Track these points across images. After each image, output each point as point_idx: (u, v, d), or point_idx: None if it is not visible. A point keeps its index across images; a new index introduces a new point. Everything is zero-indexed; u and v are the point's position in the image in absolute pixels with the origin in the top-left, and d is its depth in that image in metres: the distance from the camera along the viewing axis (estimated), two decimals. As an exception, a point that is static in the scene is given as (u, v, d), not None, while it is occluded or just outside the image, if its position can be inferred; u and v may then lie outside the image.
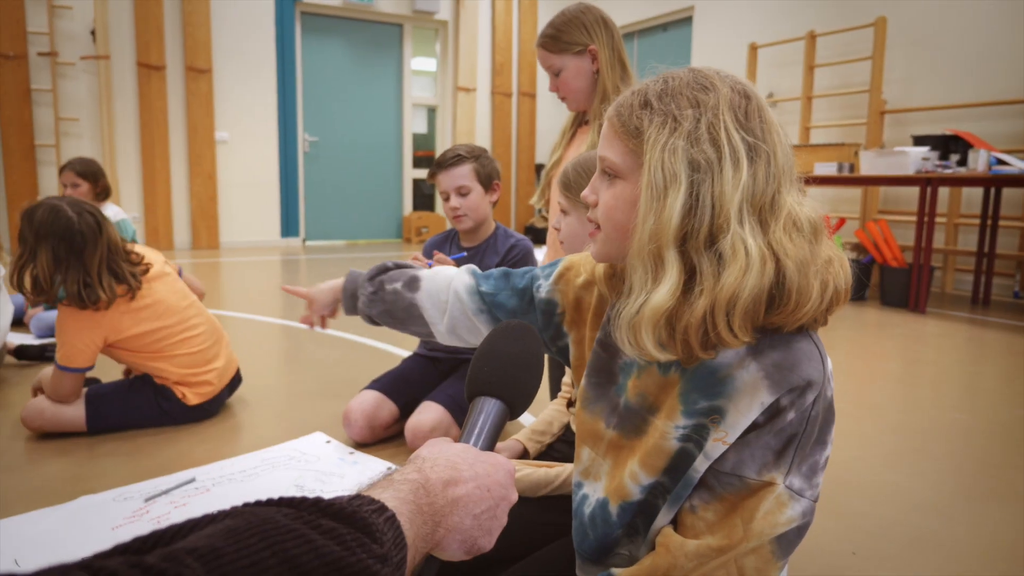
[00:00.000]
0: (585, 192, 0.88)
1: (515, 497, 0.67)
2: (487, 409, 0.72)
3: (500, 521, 0.65)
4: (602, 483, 0.94)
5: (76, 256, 1.98)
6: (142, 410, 2.17)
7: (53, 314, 3.43)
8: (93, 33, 6.72)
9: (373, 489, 0.57)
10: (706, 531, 0.82)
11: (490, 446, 0.71)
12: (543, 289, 1.05)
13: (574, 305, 1.03)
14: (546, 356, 1.13)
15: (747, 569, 0.80)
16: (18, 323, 3.55)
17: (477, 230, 2.16)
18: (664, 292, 0.75)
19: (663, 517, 0.88)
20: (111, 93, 6.83)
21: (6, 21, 6.36)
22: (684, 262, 0.76)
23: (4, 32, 6.36)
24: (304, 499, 0.50)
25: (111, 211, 3.64)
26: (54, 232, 1.97)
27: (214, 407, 2.30)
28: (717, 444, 0.81)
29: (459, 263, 2.14)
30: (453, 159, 2.07)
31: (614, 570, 0.89)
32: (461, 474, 0.63)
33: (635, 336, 0.77)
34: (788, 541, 0.80)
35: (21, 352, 2.93)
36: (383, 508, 0.53)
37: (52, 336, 3.34)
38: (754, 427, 0.80)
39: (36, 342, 3.20)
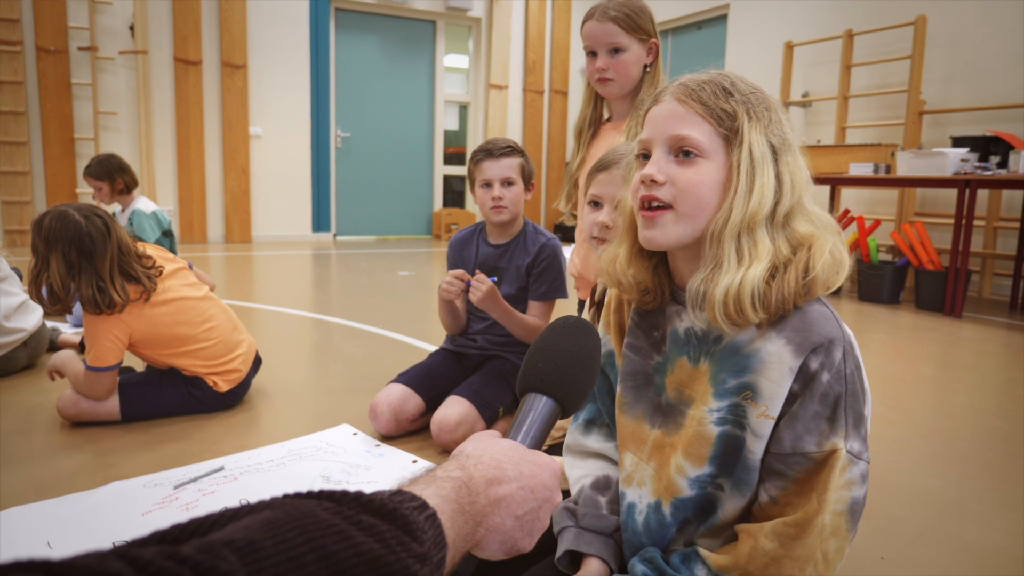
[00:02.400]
0: (649, 171, 0.87)
1: (559, 499, 0.66)
2: (537, 407, 0.70)
3: (543, 523, 0.64)
4: (648, 487, 0.95)
5: (87, 260, 1.97)
6: (174, 399, 2.20)
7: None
8: (132, 28, 6.85)
9: (415, 485, 0.56)
10: (787, 511, 0.84)
11: (538, 445, 0.69)
12: (604, 348, 1.07)
13: (617, 333, 1.05)
14: None
15: (830, 552, 0.82)
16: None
17: (508, 225, 2.15)
18: (762, 268, 0.82)
19: (730, 506, 0.89)
20: (149, 88, 6.95)
21: (48, 16, 6.51)
22: (771, 239, 0.84)
23: (46, 27, 6.51)
24: (345, 493, 0.49)
25: (143, 204, 3.70)
26: (63, 238, 1.95)
27: (242, 391, 2.34)
28: (762, 420, 0.84)
29: (491, 270, 2.15)
30: (505, 149, 2.06)
31: (700, 549, 0.90)
32: (505, 473, 0.61)
33: (736, 305, 0.82)
34: (856, 511, 0.83)
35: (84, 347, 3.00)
36: (424, 505, 0.52)
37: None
38: (793, 396, 0.82)
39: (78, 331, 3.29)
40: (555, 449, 1.65)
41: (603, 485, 1.05)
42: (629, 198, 0.92)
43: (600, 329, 1.08)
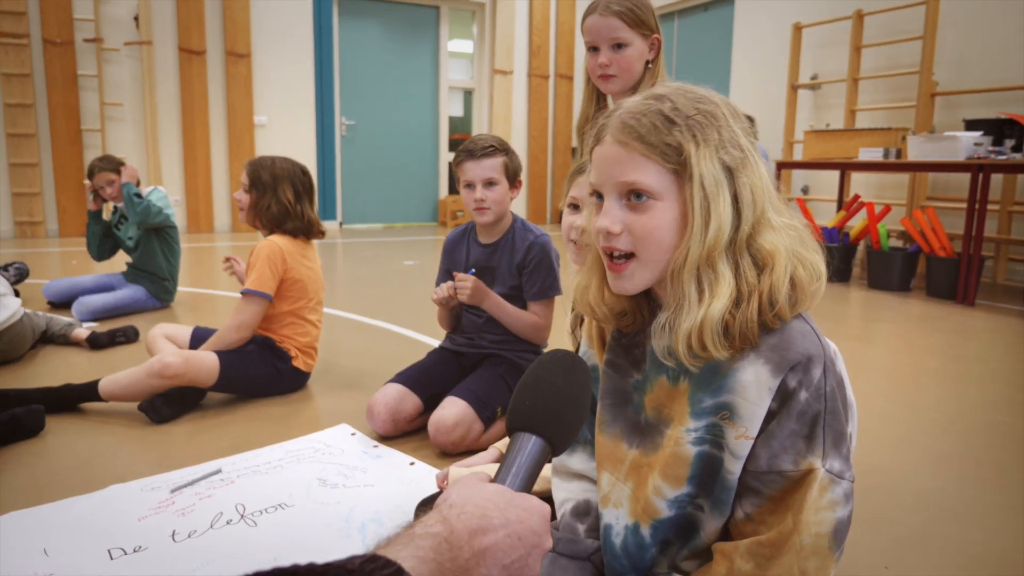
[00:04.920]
0: (603, 223, 0.84)
1: (549, 544, 0.64)
2: (526, 447, 0.68)
3: (532, 570, 0.61)
4: (625, 508, 0.94)
5: (307, 194, 2.48)
6: (262, 368, 2.37)
7: (95, 298, 3.53)
8: (136, 19, 6.83)
9: (392, 546, 0.54)
10: (760, 529, 0.82)
11: (527, 487, 0.67)
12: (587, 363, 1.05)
13: (599, 347, 1.03)
14: None
15: (809, 571, 0.80)
16: (64, 306, 3.65)
17: (496, 225, 2.13)
18: (723, 302, 0.79)
19: (711, 526, 0.88)
20: (153, 78, 6.93)
21: (54, 8, 6.50)
22: (732, 267, 0.80)
23: (52, 19, 6.50)
24: (312, 568, 0.47)
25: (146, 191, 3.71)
26: (293, 175, 2.44)
27: (303, 381, 2.54)
28: (741, 441, 0.82)
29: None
30: (487, 149, 2.04)
31: (675, 574, 0.90)
32: (491, 521, 0.59)
33: (699, 343, 0.81)
34: (840, 532, 0.81)
35: (94, 341, 3.02)
36: (399, 572, 0.50)
37: (93, 320, 3.45)
38: (771, 415, 0.81)
39: (92, 325, 3.35)
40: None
41: (583, 511, 1.04)
42: (593, 234, 0.89)
43: (583, 343, 1.05)
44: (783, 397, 0.80)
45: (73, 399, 2.23)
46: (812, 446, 0.80)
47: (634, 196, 0.83)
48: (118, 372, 2.23)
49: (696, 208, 0.80)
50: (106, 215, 3.83)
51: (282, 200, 2.39)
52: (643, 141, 0.81)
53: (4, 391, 2.16)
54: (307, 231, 2.47)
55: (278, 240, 2.39)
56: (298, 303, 2.45)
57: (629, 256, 0.84)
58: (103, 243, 3.83)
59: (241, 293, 2.36)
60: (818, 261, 0.84)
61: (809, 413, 0.80)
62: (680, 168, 0.81)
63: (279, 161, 2.44)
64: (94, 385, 2.21)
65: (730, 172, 0.81)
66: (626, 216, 0.83)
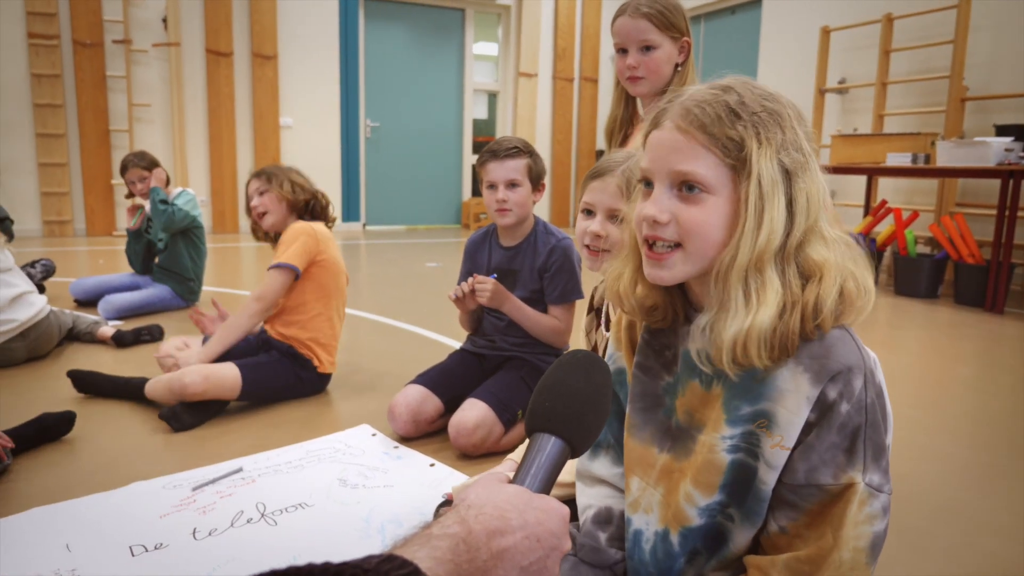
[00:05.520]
0: (651, 211, 0.81)
1: (568, 546, 0.63)
2: (545, 448, 0.67)
3: (551, 572, 0.61)
4: (656, 514, 0.92)
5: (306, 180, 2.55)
6: (286, 378, 2.39)
7: (121, 297, 3.57)
8: (165, 21, 6.92)
9: (408, 546, 0.54)
10: (796, 544, 0.80)
11: (546, 488, 0.66)
12: (613, 366, 1.03)
13: (628, 351, 1.01)
14: None
15: None
16: (91, 305, 3.70)
17: (517, 227, 2.12)
18: (772, 310, 0.77)
19: (740, 537, 0.86)
20: (181, 79, 7.02)
21: (84, 10, 6.60)
22: (780, 275, 0.78)
23: (82, 21, 6.61)
24: (327, 568, 0.47)
25: (175, 192, 3.75)
26: (289, 168, 2.54)
27: (326, 382, 2.54)
28: (776, 450, 0.80)
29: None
30: (510, 150, 2.03)
31: None
32: (509, 523, 0.58)
33: (743, 351, 0.78)
34: (877, 546, 0.79)
35: (119, 339, 3.07)
36: (416, 572, 0.50)
37: (119, 318, 3.49)
38: (809, 427, 0.79)
39: (118, 323, 3.39)
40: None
41: (604, 519, 1.02)
42: (635, 221, 0.87)
43: (611, 346, 1.04)
44: (822, 408, 0.78)
45: (132, 393, 2.35)
46: (853, 460, 0.78)
47: (686, 187, 0.80)
48: (160, 376, 2.28)
49: (750, 208, 0.77)
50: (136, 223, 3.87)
51: (297, 184, 2.48)
52: (705, 131, 0.79)
53: (81, 372, 2.41)
54: (327, 213, 2.56)
55: (311, 223, 2.45)
56: (330, 301, 2.46)
57: (675, 247, 0.81)
58: (146, 258, 3.91)
59: (269, 268, 2.37)
60: (867, 278, 0.81)
61: (850, 426, 0.78)
62: (738, 164, 0.78)
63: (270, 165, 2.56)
64: (143, 383, 2.32)
65: (788, 175, 0.78)
66: (675, 206, 0.81)
